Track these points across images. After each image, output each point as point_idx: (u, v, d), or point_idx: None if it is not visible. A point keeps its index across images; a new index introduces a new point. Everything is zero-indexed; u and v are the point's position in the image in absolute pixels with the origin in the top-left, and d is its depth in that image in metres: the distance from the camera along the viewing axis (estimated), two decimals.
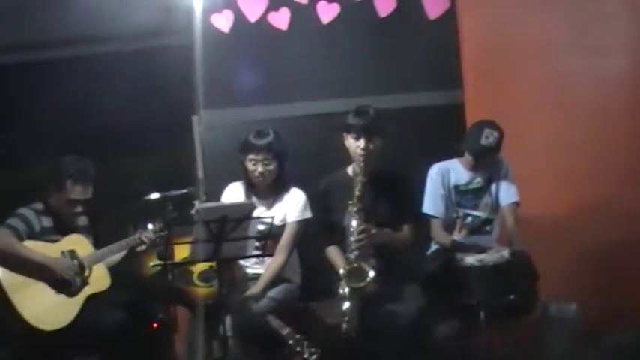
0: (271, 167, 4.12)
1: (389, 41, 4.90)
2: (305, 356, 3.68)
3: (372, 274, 3.83)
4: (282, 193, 4.19)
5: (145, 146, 5.40)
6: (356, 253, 3.88)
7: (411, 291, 3.98)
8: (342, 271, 3.87)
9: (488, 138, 4.18)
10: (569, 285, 4.56)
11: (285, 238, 4.14)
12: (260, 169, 4.11)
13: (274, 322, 3.85)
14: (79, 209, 4.05)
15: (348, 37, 4.91)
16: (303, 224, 4.18)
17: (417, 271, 4.19)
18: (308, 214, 4.20)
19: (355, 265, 3.86)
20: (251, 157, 4.12)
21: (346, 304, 3.82)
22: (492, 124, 4.21)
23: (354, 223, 3.91)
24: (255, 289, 4.04)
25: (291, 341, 3.71)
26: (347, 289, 3.84)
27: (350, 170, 4.16)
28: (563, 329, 4.30)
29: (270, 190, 4.19)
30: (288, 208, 4.17)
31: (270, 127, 4.22)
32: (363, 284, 3.83)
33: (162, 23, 4.97)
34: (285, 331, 3.75)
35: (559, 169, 4.74)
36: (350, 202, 3.93)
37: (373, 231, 3.91)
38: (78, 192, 4.00)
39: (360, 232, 3.88)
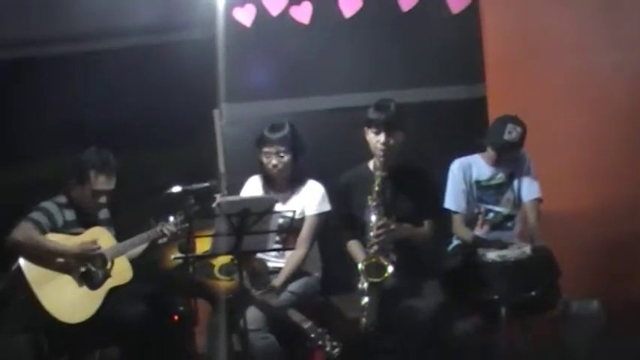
0: (285, 159, 4.13)
1: (411, 35, 4.88)
2: (327, 349, 3.68)
3: (390, 269, 3.81)
4: (299, 187, 4.20)
5: (167, 139, 5.42)
6: (375, 248, 3.87)
7: (431, 286, 3.97)
8: (360, 266, 3.86)
9: (511, 133, 4.14)
10: (592, 282, 4.52)
11: (305, 231, 4.15)
12: (274, 161, 4.12)
13: (296, 316, 3.85)
14: (103, 200, 4.06)
15: (371, 32, 4.89)
16: (322, 217, 4.18)
17: (438, 266, 4.17)
18: (327, 207, 4.19)
19: (374, 260, 3.85)
20: (266, 149, 4.14)
21: (365, 299, 3.82)
22: (515, 119, 4.18)
23: (373, 218, 3.90)
24: (276, 282, 4.05)
25: (313, 335, 3.71)
26: (365, 284, 3.83)
27: (371, 165, 4.14)
28: (585, 327, 4.27)
29: (287, 184, 4.20)
30: (307, 201, 4.17)
31: (288, 121, 4.21)
32: (381, 279, 3.81)
33: (184, 17, 4.99)
34: (307, 324, 3.76)
35: (582, 164, 4.71)
36: (370, 197, 3.92)
37: (392, 226, 3.90)
38: (101, 182, 4.01)
39: (379, 227, 3.87)
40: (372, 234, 3.89)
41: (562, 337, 4.21)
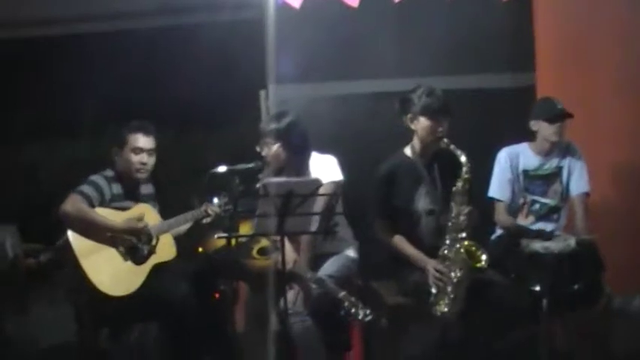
0: (273, 150, 4.07)
1: (461, 22, 4.83)
2: (360, 317, 3.70)
3: (484, 257, 3.72)
4: (304, 171, 4.10)
5: (214, 119, 5.46)
6: (462, 234, 3.75)
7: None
8: (462, 252, 3.73)
9: (559, 104, 4.15)
10: (635, 278, 4.46)
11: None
12: (263, 152, 4.10)
13: (331, 285, 3.86)
14: (145, 158, 4.08)
15: (419, 17, 4.86)
16: (337, 185, 4.07)
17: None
18: (339, 176, 4.09)
19: (473, 248, 3.74)
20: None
21: (448, 288, 3.73)
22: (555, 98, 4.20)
23: (452, 204, 3.80)
24: (302, 262, 4.01)
25: (346, 303, 3.74)
26: (459, 273, 3.72)
27: (408, 151, 4.03)
28: (628, 322, 4.22)
29: (290, 173, 4.08)
30: (318, 173, 4.02)
31: (293, 112, 4.12)
32: (481, 265, 3.73)
33: None
34: (341, 294, 3.78)
35: (632, 156, 4.63)
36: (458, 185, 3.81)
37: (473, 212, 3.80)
38: (139, 140, 4.06)
39: (464, 214, 3.76)
40: (450, 223, 3.77)
41: (604, 331, 4.17)
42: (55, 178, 5.70)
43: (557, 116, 4.15)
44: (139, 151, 4.07)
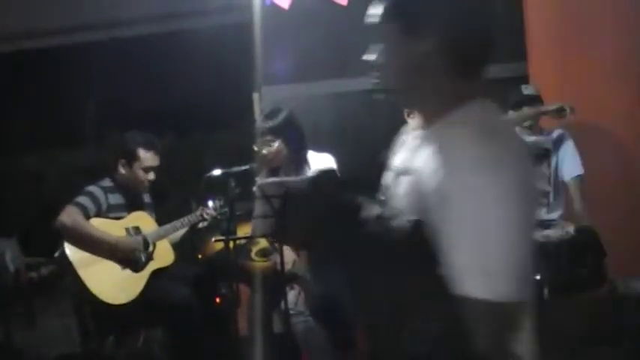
0: (274, 147, 3.98)
1: None
2: None
3: None
4: (303, 167, 4.05)
5: (208, 123, 5.45)
6: None
7: None
8: None
9: (527, 89, 4.20)
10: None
11: None
12: (264, 150, 4.02)
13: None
14: (152, 176, 4.10)
15: None
16: None
17: None
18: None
19: None
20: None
21: None
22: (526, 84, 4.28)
23: None
24: (301, 262, 3.97)
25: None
26: None
27: None
28: (632, 306, 4.19)
29: (288, 172, 4.03)
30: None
31: (286, 107, 4.06)
32: None
33: (222, 1, 5.00)
34: None
35: (626, 142, 4.60)
36: None
37: None
38: (150, 159, 4.08)
39: None
40: None
41: (609, 315, 4.14)
42: (55, 189, 5.71)
43: (519, 102, 4.17)
44: (148, 169, 4.09)
